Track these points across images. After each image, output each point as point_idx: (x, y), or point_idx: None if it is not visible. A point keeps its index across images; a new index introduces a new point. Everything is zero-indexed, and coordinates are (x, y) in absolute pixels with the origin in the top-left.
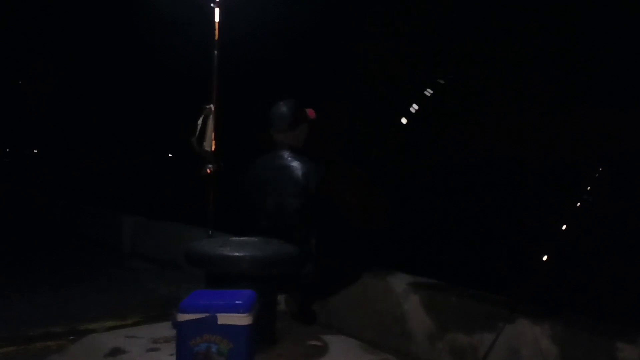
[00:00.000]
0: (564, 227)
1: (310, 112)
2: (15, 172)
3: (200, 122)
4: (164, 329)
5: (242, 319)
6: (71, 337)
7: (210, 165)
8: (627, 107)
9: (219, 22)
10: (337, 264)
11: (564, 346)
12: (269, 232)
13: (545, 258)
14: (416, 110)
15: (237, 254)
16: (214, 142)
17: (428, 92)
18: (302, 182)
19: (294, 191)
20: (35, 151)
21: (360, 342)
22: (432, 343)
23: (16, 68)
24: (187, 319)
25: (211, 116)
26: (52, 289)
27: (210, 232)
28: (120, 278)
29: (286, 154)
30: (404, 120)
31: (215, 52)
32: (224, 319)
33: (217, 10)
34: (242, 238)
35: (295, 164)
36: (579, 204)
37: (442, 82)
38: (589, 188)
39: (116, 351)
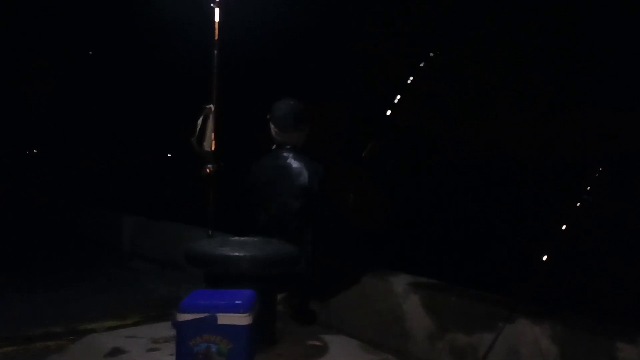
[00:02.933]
0: (564, 227)
1: None
2: (15, 172)
3: (200, 122)
4: (164, 329)
5: (242, 319)
6: (71, 337)
7: (210, 165)
8: (627, 107)
9: (219, 22)
10: (337, 264)
11: (564, 346)
12: (270, 232)
13: (545, 258)
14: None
15: (237, 254)
16: (214, 142)
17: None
18: (305, 183)
19: (297, 192)
20: (35, 151)
21: (360, 342)
22: (432, 343)
23: (16, 68)
24: (187, 319)
25: (211, 116)
26: (52, 289)
27: (210, 232)
28: (120, 278)
29: (289, 154)
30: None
31: (215, 52)
32: (224, 319)
33: (217, 10)
34: (242, 238)
35: (299, 164)
36: (579, 204)
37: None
38: (589, 188)
39: (116, 351)
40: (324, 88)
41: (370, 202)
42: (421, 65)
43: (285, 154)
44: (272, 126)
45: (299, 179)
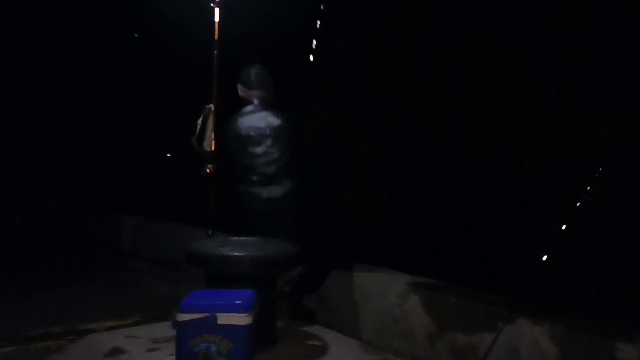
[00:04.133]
0: (564, 227)
1: None
2: (15, 172)
3: (200, 122)
4: (164, 329)
5: (242, 319)
6: (71, 337)
7: (210, 165)
8: (627, 106)
9: (218, 22)
10: (337, 263)
11: (564, 346)
12: (252, 180)
13: (545, 258)
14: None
15: (237, 254)
16: (214, 142)
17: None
18: (279, 127)
19: (275, 138)
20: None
21: (360, 342)
22: (432, 343)
23: (16, 68)
24: (186, 319)
25: (211, 116)
26: (53, 289)
27: (210, 232)
28: (120, 278)
29: (259, 107)
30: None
31: (215, 52)
32: (224, 319)
33: (217, 10)
34: (242, 238)
35: (269, 113)
36: (579, 204)
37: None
38: (589, 188)
39: (116, 351)
40: (323, 87)
41: (368, 202)
42: (318, 24)
43: (254, 108)
44: (240, 87)
45: (273, 125)
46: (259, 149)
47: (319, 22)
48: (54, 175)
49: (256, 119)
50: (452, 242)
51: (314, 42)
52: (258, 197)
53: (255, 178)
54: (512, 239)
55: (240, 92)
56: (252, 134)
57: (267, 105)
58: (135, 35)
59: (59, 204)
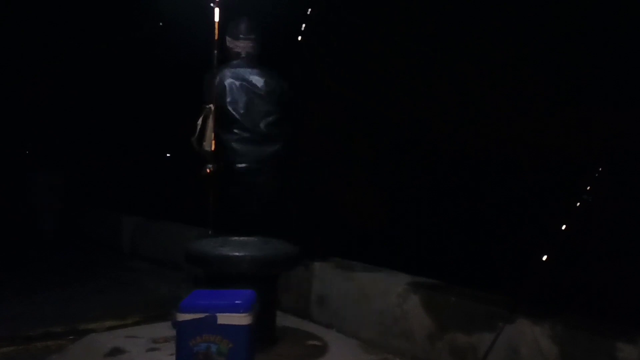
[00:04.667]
0: (564, 227)
1: None
2: (14, 173)
3: (200, 122)
4: (164, 329)
5: (242, 319)
6: (71, 337)
7: (210, 165)
8: (627, 106)
9: (218, 22)
10: (336, 263)
11: (564, 346)
12: (248, 141)
13: (545, 258)
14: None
15: (237, 254)
16: (214, 142)
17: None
18: (277, 90)
19: (264, 95)
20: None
21: (360, 342)
22: (431, 343)
23: (15, 68)
24: (186, 319)
25: (211, 116)
26: (52, 289)
27: (210, 232)
28: (120, 278)
29: (248, 63)
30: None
31: (215, 52)
32: (224, 318)
33: (217, 10)
34: (242, 238)
35: (259, 70)
36: (579, 204)
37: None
38: (588, 188)
39: (116, 351)
40: (323, 87)
41: (368, 202)
42: (309, 12)
43: (241, 62)
44: (227, 39)
45: (260, 83)
46: (246, 105)
47: (310, 9)
48: (53, 175)
49: (245, 74)
50: (452, 242)
51: (304, 25)
52: (248, 155)
53: (244, 135)
54: (512, 239)
55: (227, 44)
56: (238, 88)
57: (255, 60)
58: (160, 24)
59: (59, 204)
